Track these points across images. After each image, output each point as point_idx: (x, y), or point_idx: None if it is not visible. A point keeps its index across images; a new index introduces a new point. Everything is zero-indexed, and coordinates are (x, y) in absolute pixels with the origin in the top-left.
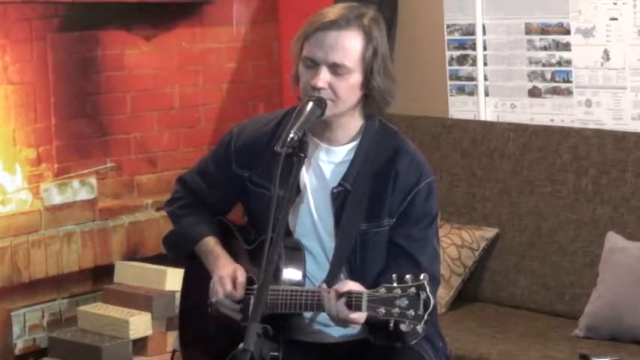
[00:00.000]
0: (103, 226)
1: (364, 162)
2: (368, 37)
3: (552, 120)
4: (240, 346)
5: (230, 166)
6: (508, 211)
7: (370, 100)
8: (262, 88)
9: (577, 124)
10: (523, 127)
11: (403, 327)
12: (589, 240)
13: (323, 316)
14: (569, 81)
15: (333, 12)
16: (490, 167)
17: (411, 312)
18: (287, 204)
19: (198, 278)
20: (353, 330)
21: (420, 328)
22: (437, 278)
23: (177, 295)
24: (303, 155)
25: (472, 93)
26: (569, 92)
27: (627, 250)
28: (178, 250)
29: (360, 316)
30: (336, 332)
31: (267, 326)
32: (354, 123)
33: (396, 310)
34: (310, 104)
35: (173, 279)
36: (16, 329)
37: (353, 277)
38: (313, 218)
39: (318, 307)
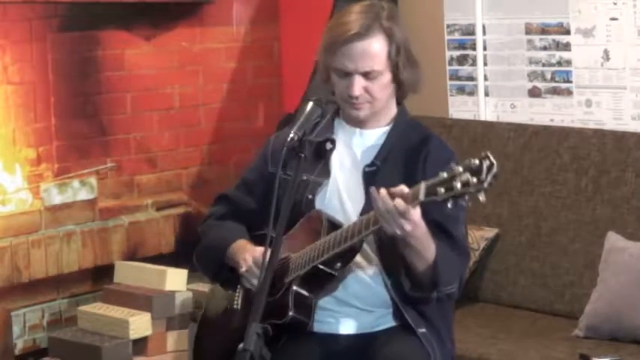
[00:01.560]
0: (103, 226)
1: (396, 144)
2: (390, 38)
3: (552, 120)
4: (240, 346)
5: (266, 168)
6: (508, 211)
7: (401, 89)
8: (262, 88)
9: (577, 124)
10: (523, 127)
11: (463, 202)
12: (589, 240)
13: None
14: (569, 81)
15: (353, 21)
16: None
17: (474, 179)
18: (288, 199)
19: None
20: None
21: (482, 196)
22: (469, 252)
23: (178, 295)
24: (303, 155)
25: (472, 93)
26: (569, 92)
27: (627, 250)
28: (210, 259)
29: (416, 212)
30: (343, 327)
31: (268, 326)
32: (388, 111)
33: (457, 184)
34: (310, 104)
35: (173, 279)
36: (16, 329)
37: (383, 252)
38: (342, 198)
39: (373, 222)
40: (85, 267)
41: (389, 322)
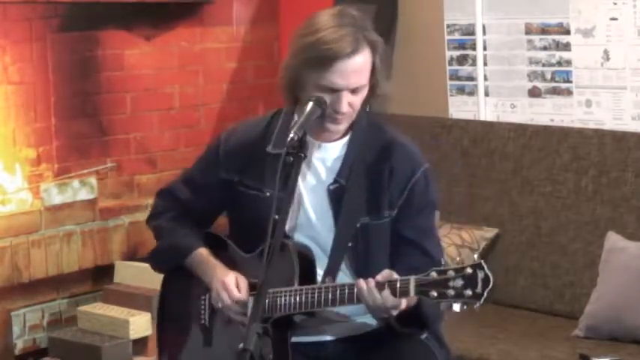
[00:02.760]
0: (103, 226)
1: (357, 157)
2: (373, 48)
3: (552, 120)
4: (240, 346)
5: (218, 171)
6: (508, 211)
7: (372, 96)
8: (262, 88)
9: (577, 124)
10: (523, 127)
11: (456, 307)
12: (589, 240)
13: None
14: (569, 81)
15: (340, 37)
16: (490, 167)
17: (468, 292)
18: (287, 205)
19: (178, 290)
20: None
21: (476, 306)
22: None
23: None
24: (303, 155)
25: (472, 93)
26: (569, 92)
27: (627, 250)
28: (168, 263)
29: (410, 300)
30: (328, 334)
31: (268, 326)
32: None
33: (450, 291)
34: (310, 104)
35: None
36: (16, 329)
37: (358, 269)
38: (309, 215)
39: (354, 299)
40: (85, 267)
41: (376, 324)
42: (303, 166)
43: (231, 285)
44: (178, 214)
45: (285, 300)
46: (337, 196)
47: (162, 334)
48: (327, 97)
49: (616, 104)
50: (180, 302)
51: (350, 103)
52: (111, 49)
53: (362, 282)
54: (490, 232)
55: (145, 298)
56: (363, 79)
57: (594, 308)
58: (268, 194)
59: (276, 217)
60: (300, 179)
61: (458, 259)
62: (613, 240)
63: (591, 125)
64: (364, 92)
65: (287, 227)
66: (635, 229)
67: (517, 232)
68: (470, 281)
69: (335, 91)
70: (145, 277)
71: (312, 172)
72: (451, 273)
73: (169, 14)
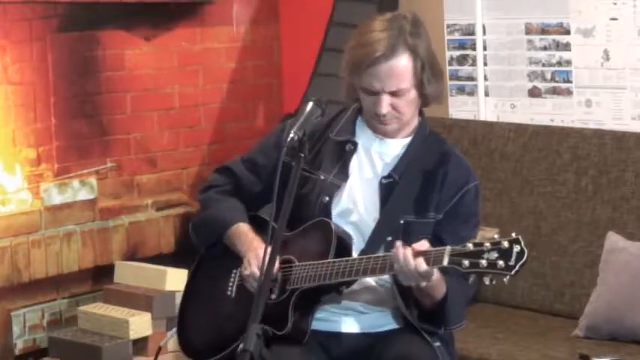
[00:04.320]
0: (103, 226)
1: (415, 158)
2: (414, 54)
3: (552, 120)
4: (240, 346)
5: (279, 153)
6: (508, 211)
7: (426, 101)
8: (262, 88)
9: (577, 124)
10: (523, 127)
11: (486, 280)
12: (589, 240)
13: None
14: (569, 81)
15: (377, 41)
16: (490, 167)
17: (501, 262)
18: (289, 195)
19: (210, 273)
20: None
21: (506, 280)
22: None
23: (178, 295)
24: (303, 155)
25: (472, 93)
26: (569, 92)
27: (627, 250)
28: (208, 235)
29: (435, 272)
30: (346, 326)
31: (268, 327)
32: (411, 122)
33: (483, 262)
34: (310, 104)
35: (173, 279)
36: (16, 329)
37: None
38: (357, 204)
39: (388, 268)
40: (85, 267)
41: (393, 324)
42: (363, 156)
43: (260, 255)
44: (230, 190)
45: (317, 270)
46: (388, 189)
47: (186, 310)
48: (370, 99)
49: (616, 104)
50: (209, 279)
51: (393, 106)
52: (111, 49)
53: (399, 245)
54: (490, 232)
55: (145, 298)
56: (401, 83)
57: (594, 308)
58: (322, 177)
59: (327, 199)
60: (357, 168)
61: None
62: (613, 240)
63: (591, 125)
64: (409, 97)
65: (334, 209)
66: (635, 229)
67: (517, 232)
68: (505, 254)
69: (374, 93)
70: (145, 277)
71: (370, 164)
72: (487, 245)
73: (169, 14)
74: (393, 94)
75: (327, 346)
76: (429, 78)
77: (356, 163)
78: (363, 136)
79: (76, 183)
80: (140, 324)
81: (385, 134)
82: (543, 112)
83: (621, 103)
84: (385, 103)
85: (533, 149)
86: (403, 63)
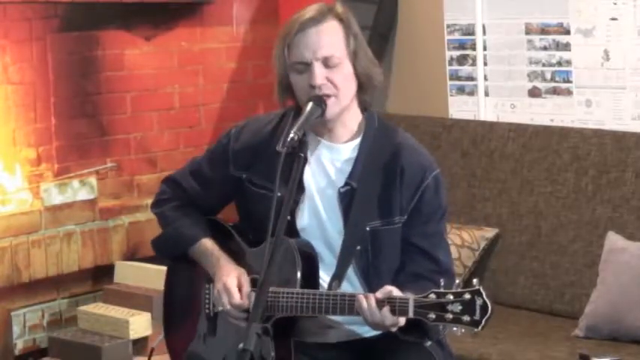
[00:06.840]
0: (103, 226)
1: (368, 159)
2: (346, 25)
3: (552, 120)
4: (240, 346)
5: (227, 167)
6: (508, 211)
7: (362, 89)
8: (262, 88)
9: (577, 124)
10: (523, 127)
11: (457, 332)
12: (589, 240)
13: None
14: (569, 81)
15: (305, 12)
16: (490, 167)
17: (466, 317)
18: (287, 204)
19: (184, 277)
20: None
21: (475, 331)
22: (453, 272)
23: None
24: (303, 155)
25: (472, 93)
26: (569, 92)
27: (627, 250)
28: (172, 251)
29: (402, 319)
30: (332, 337)
31: (268, 326)
32: (354, 118)
33: (449, 315)
34: (310, 104)
35: None
36: (16, 329)
37: (366, 274)
38: (321, 218)
39: (354, 311)
40: (85, 267)
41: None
42: (314, 167)
43: (232, 288)
44: (183, 204)
45: (286, 302)
46: (348, 198)
47: (169, 324)
48: (303, 78)
49: (616, 104)
50: (184, 291)
51: (328, 78)
52: (111, 49)
53: (362, 297)
54: (490, 232)
55: (145, 298)
56: (333, 49)
57: (594, 308)
58: (279, 194)
59: (288, 217)
60: (311, 180)
61: (457, 262)
62: (613, 240)
63: (591, 125)
64: (343, 70)
65: (299, 227)
66: (635, 229)
67: (517, 232)
68: (468, 307)
69: (306, 66)
70: (145, 277)
71: (322, 173)
72: (450, 297)
73: (169, 14)
74: (326, 64)
75: (314, 356)
76: (364, 55)
77: (309, 175)
78: (311, 145)
79: (76, 183)
80: (140, 324)
81: (341, 136)
82: (543, 112)
83: (621, 103)
84: (318, 72)
85: (533, 149)
86: (333, 30)
